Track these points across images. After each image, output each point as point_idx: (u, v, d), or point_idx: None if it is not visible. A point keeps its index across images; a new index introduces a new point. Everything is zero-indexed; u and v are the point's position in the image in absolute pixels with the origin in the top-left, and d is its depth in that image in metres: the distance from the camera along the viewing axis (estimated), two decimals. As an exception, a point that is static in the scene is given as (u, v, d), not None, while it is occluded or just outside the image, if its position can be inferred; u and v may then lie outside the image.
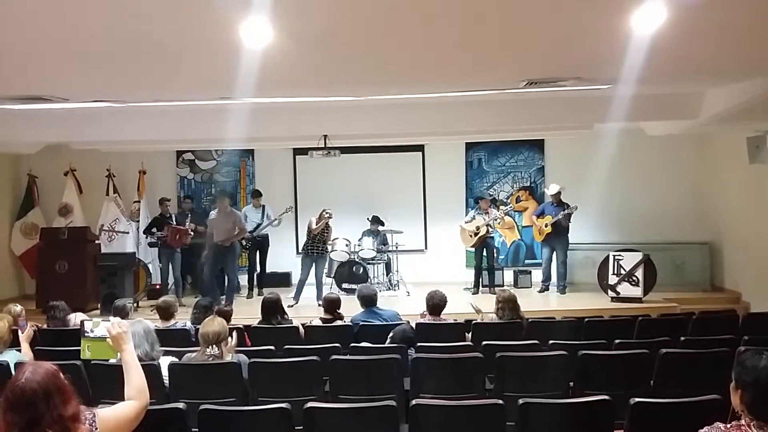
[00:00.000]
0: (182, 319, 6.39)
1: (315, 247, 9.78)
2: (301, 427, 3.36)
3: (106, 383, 4.00)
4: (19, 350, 4.76)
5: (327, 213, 9.78)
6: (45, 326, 6.33)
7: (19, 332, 5.02)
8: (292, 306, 8.99)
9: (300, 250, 10.85)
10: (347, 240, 10.51)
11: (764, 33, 4.59)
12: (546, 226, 10.01)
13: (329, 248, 10.09)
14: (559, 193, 10.10)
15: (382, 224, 10.77)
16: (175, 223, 10.17)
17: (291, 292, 9.68)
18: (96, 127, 8.37)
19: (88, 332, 3.03)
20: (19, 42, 4.38)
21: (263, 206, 10.65)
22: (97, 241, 10.47)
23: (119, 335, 2.84)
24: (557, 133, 10.62)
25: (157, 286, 10.34)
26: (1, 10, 3.70)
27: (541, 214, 10.27)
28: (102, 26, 4.07)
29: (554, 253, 10.14)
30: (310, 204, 11.47)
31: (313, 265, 9.78)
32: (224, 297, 9.35)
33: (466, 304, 9.02)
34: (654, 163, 10.90)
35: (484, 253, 10.25)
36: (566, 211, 9.85)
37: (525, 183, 11.68)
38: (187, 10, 3.81)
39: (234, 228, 9.56)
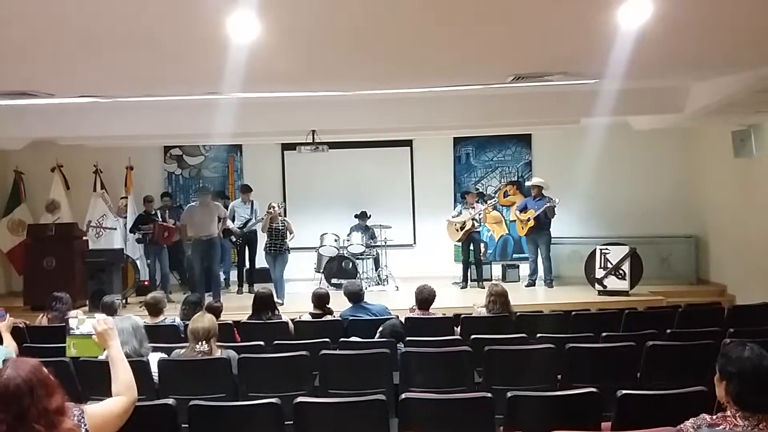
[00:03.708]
0: (171, 315, 6.40)
1: (273, 244, 9.61)
2: (292, 422, 3.37)
3: (95, 380, 3.98)
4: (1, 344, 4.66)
5: (272, 207, 9.51)
6: (29, 323, 6.29)
7: None
8: (281, 304, 8.96)
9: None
10: (336, 235, 10.51)
11: (749, 27, 4.62)
12: (529, 220, 10.02)
13: (289, 245, 9.77)
14: (539, 187, 10.10)
15: (368, 218, 10.77)
16: (161, 220, 10.12)
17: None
18: (83, 123, 8.28)
19: (72, 329, 3.02)
20: (4, 36, 4.34)
21: (252, 201, 10.57)
22: (84, 238, 10.41)
23: (105, 332, 2.83)
24: (544, 127, 10.66)
25: (146, 283, 10.30)
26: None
27: (523, 209, 10.27)
28: (88, 20, 4.04)
29: (538, 248, 10.15)
30: (298, 199, 11.48)
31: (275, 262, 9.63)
32: (209, 293, 9.22)
33: (455, 299, 9.11)
34: (640, 158, 10.96)
35: (471, 248, 10.27)
36: (549, 204, 9.84)
37: (512, 177, 11.73)
38: (174, 3, 3.79)
39: (217, 222, 9.41)
